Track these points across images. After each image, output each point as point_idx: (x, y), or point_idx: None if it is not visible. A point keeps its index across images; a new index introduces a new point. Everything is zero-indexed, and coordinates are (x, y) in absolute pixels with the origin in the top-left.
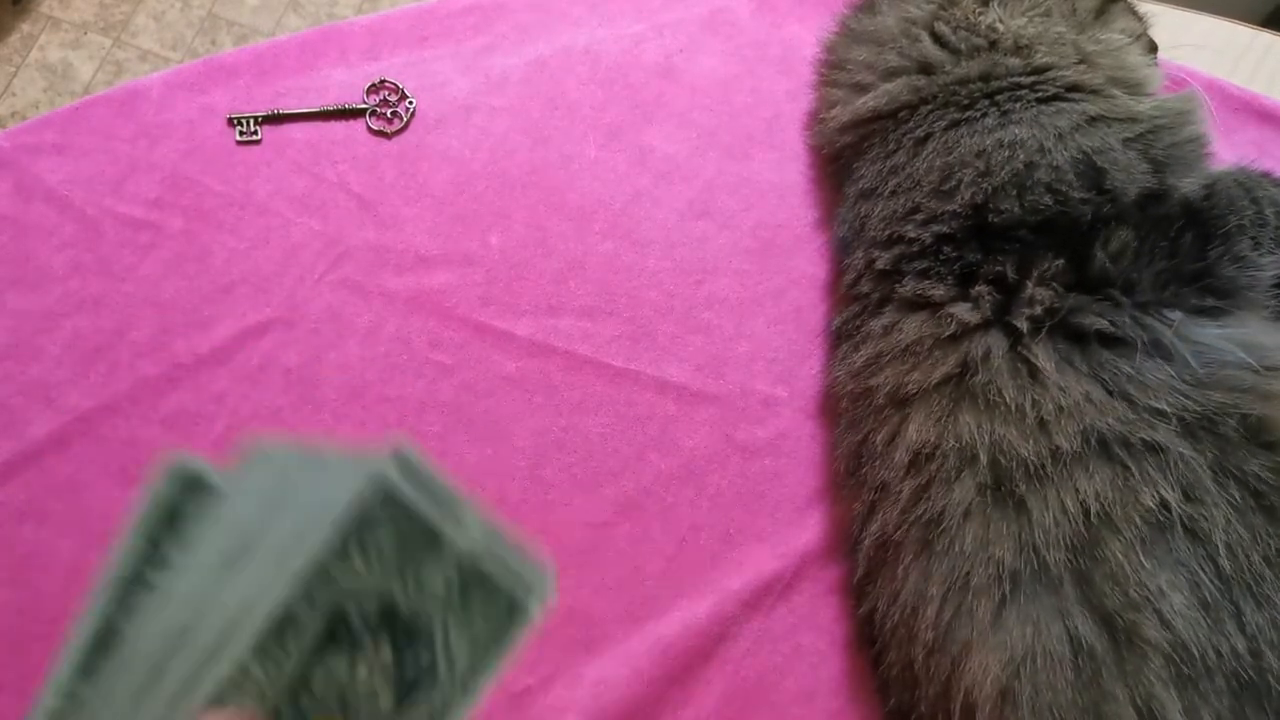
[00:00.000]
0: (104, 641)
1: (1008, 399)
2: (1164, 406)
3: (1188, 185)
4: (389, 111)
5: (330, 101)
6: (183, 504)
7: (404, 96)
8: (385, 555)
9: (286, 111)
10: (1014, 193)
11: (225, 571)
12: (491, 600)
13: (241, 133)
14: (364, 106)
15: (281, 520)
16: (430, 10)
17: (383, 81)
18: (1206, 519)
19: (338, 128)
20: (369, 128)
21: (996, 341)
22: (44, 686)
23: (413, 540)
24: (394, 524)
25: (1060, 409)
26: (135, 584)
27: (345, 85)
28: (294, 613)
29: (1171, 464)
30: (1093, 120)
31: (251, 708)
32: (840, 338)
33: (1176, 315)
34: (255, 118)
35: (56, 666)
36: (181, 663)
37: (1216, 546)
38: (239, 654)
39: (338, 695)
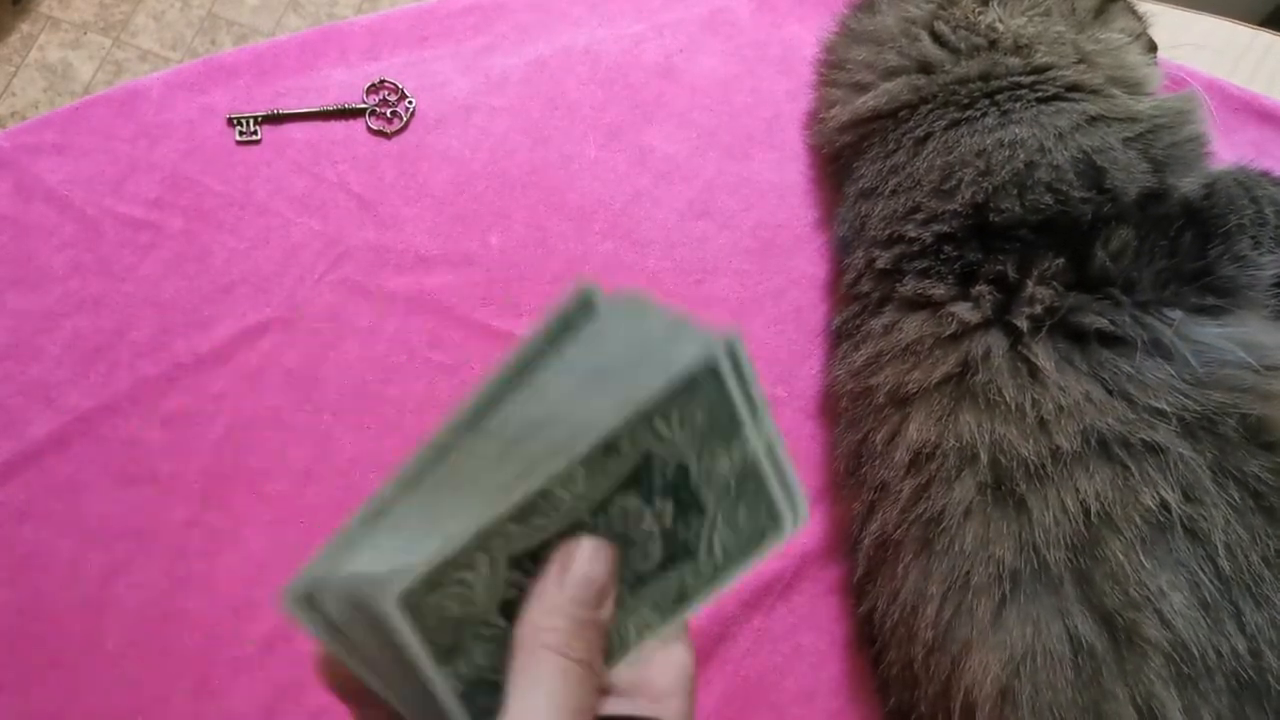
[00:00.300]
0: (609, 449)
1: (1008, 398)
2: (1164, 406)
3: (1188, 185)
4: (389, 111)
5: (330, 101)
6: (576, 318)
7: (404, 96)
8: (695, 426)
9: (286, 111)
10: (1014, 192)
11: (585, 385)
12: (759, 504)
13: (241, 133)
14: (364, 106)
15: (634, 360)
16: (430, 10)
17: (382, 81)
18: (1206, 519)
19: (338, 128)
20: (369, 128)
21: (997, 341)
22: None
23: (719, 421)
24: (709, 401)
25: (1060, 408)
26: (522, 375)
27: (345, 85)
28: (619, 442)
29: (1171, 464)
30: (1093, 120)
31: (567, 506)
32: (840, 337)
33: (1177, 314)
34: (255, 118)
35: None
36: (527, 449)
37: (1216, 547)
38: (573, 458)
39: (622, 530)
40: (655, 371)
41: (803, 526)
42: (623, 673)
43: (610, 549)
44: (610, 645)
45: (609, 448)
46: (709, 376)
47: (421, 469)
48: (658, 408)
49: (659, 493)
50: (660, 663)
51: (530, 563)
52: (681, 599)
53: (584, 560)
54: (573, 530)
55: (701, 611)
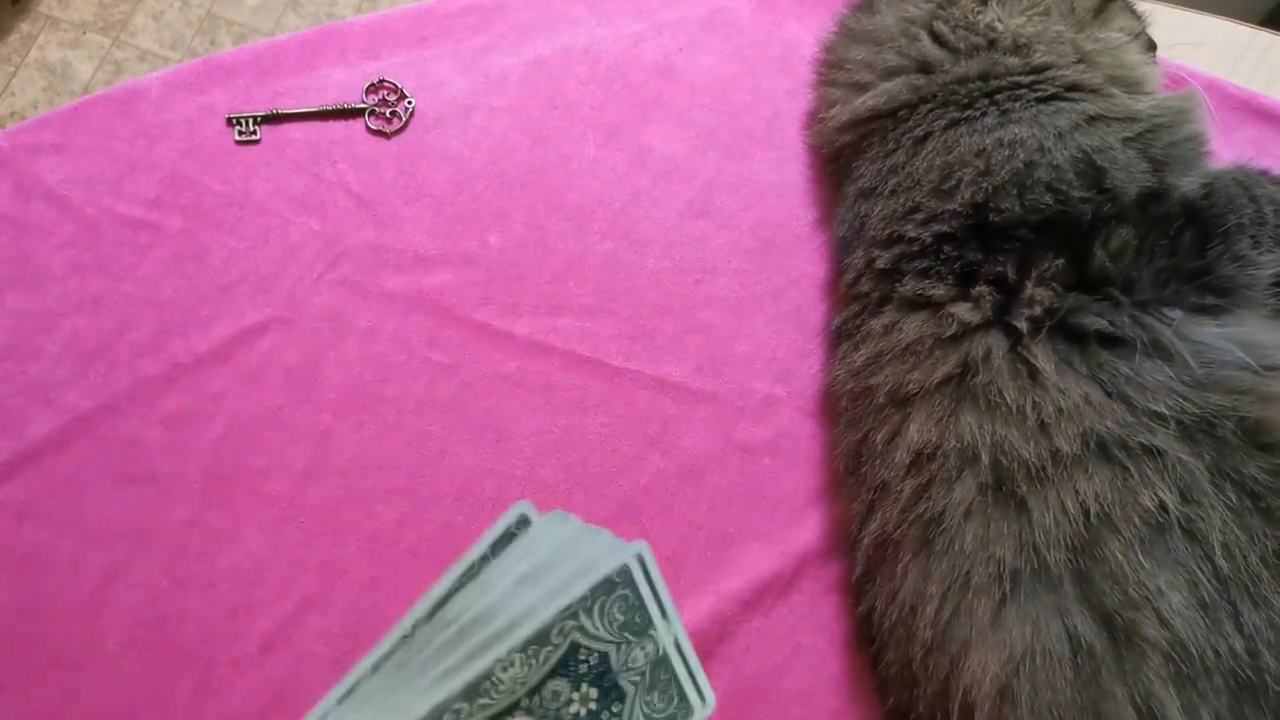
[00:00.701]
0: (540, 639)
1: (1008, 400)
2: (1163, 409)
3: (1187, 184)
4: (388, 111)
5: (329, 101)
6: (515, 530)
7: (403, 96)
8: (614, 621)
9: (285, 111)
10: (1014, 192)
11: (521, 584)
12: (670, 692)
13: (240, 132)
14: (363, 106)
15: (563, 566)
16: (429, 10)
17: (382, 81)
18: (1204, 520)
19: (337, 127)
20: (368, 127)
21: (997, 342)
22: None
23: (634, 619)
24: (625, 600)
25: (1060, 411)
26: (469, 575)
27: (344, 85)
28: (549, 633)
29: (1170, 466)
30: (1092, 119)
31: (506, 687)
32: (840, 337)
33: (1176, 314)
34: (254, 117)
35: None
36: (473, 637)
37: (1214, 547)
38: (512, 646)
39: (554, 711)
40: (581, 574)
41: (710, 713)
42: None
43: None
44: None
45: (541, 637)
46: (625, 580)
47: (388, 652)
48: (582, 604)
49: (585, 679)
50: None
51: None
52: None
53: None
54: (511, 710)
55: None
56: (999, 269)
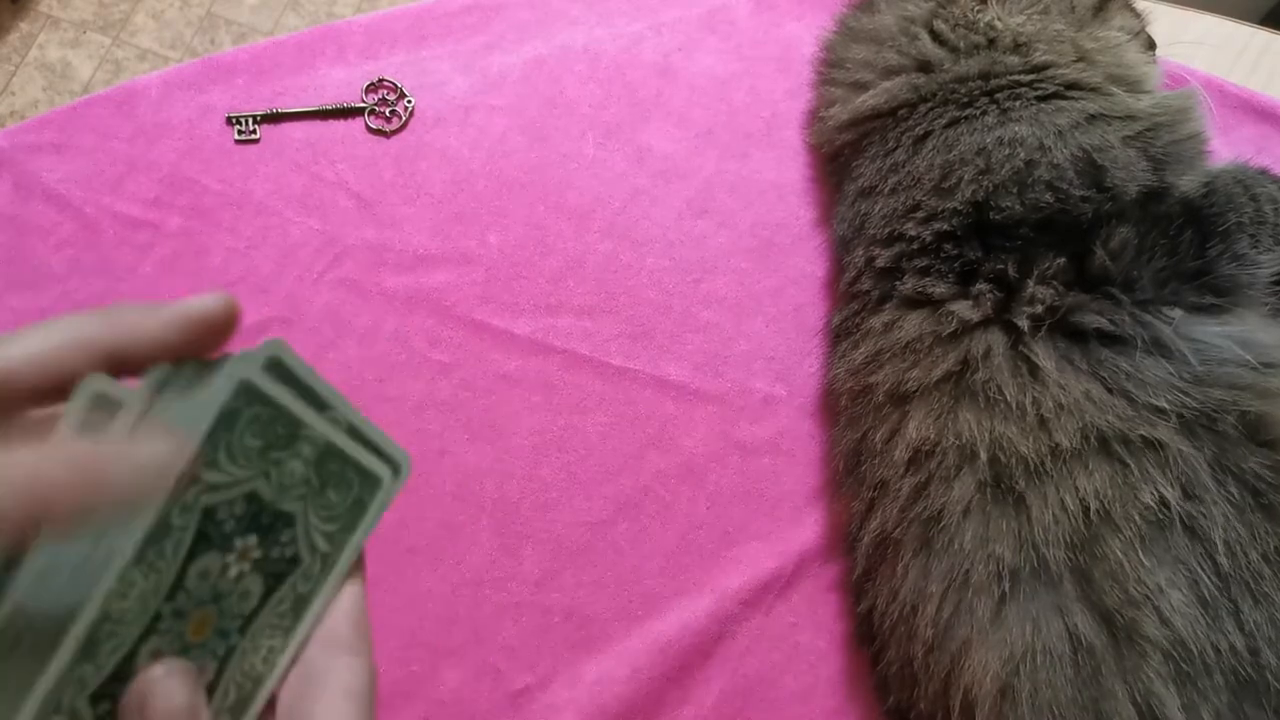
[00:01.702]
0: (158, 534)
1: (1008, 397)
2: (1163, 404)
3: (1187, 183)
4: (387, 110)
5: (329, 100)
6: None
7: (402, 95)
8: (250, 453)
9: (285, 110)
10: (1015, 190)
11: None
12: (347, 478)
13: (240, 132)
14: (362, 105)
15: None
16: (429, 9)
17: (381, 80)
18: (1205, 517)
19: (336, 127)
20: (368, 127)
21: (997, 339)
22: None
23: (275, 433)
24: (259, 420)
25: (1060, 407)
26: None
27: (344, 84)
28: (169, 522)
29: (1170, 461)
30: (1092, 118)
31: (135, 612)
32: (839, 335)
33: (1176, 313)
34: (254, 117)
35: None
36: (75, 579)
37: (1215, 544)
38: (122, 565)
39: (211, 590)
40: (187, 435)
41: (407, 473)
42: (281, 709)
43: (179, 664)
44: (242, 694)
45: (158, 532)
46: (249, 398)
47: None
48: (199, 461)
49: (235, 534)
50: (328, 697)
51: (121, 682)
52: (302, 606)
53: (162, 699)
54: (152, 629)
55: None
56: (999, 267)
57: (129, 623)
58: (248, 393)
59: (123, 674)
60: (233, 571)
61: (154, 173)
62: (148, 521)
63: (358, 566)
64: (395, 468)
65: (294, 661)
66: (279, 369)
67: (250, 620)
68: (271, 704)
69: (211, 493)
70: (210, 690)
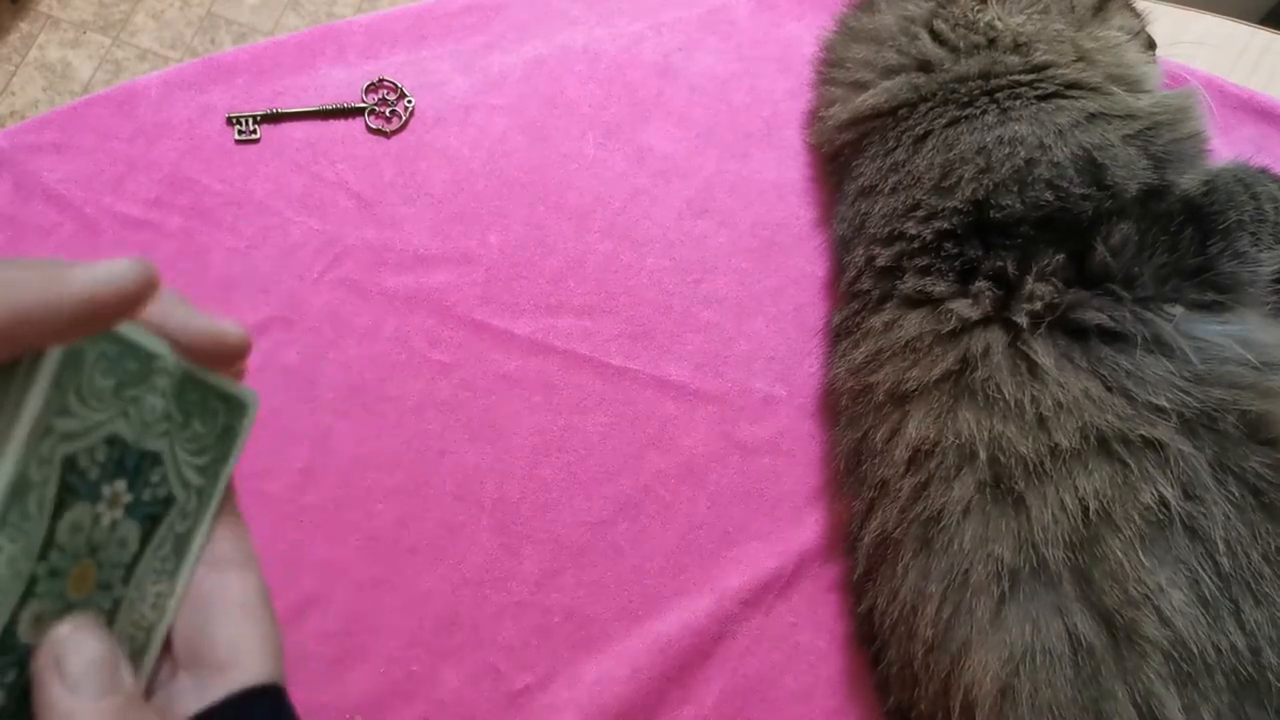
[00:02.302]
0: (18, 492)
1: (1007, 395)
2: (1163, 403)
3: (1188, 181)
4: (388, 110)
5: (329, 100)
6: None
7: (403, 95)
8: (103, 393)
9: (285, 110)
10: (1015, 189)
11: None
12: (210, 407)
13: (240, 132)
14: (363, 105)
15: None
16: (429, 9)
17: (381, 80)
18: (1205, 516)
19: (336, 127)
20: (368, 127)
21: (996, 337)
22: None
23: (126, 369)
24: (108, 358)
25: (1059, 405)
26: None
27: (344, 84)
28: (27, 476)
29: (1171, 461)
30: (1092, 117)
31: (7, 581)
32: (840, 335)
33: (1177, 311)
34: (254, 117)
35: None
36: None
37: (1215, 544)
38: None
39: (86, 543)
40: (20, 382)
41: (257, 402)
42: (179, 643)
43: (82, 618)
44: (135, 645)
45: (18, 489)
46: (90, 339)
47: None
48: (48, 410)
49: (102, 481)
50: (219, 615)
51: (5, 653)
52: (183, 546)
53: (79, 646)
54: (30, 592)
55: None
56: (999, 265)
57: (4, 591)
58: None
59: (5, 644)
60: (105, 520)
61: (154, 173)
62: (3, 480)
63: (228, 494)
64: (246, 391)
65: (183, 601)
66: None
67: (132, 568)
68: (167, 645)
69: (68, 441)
70: None
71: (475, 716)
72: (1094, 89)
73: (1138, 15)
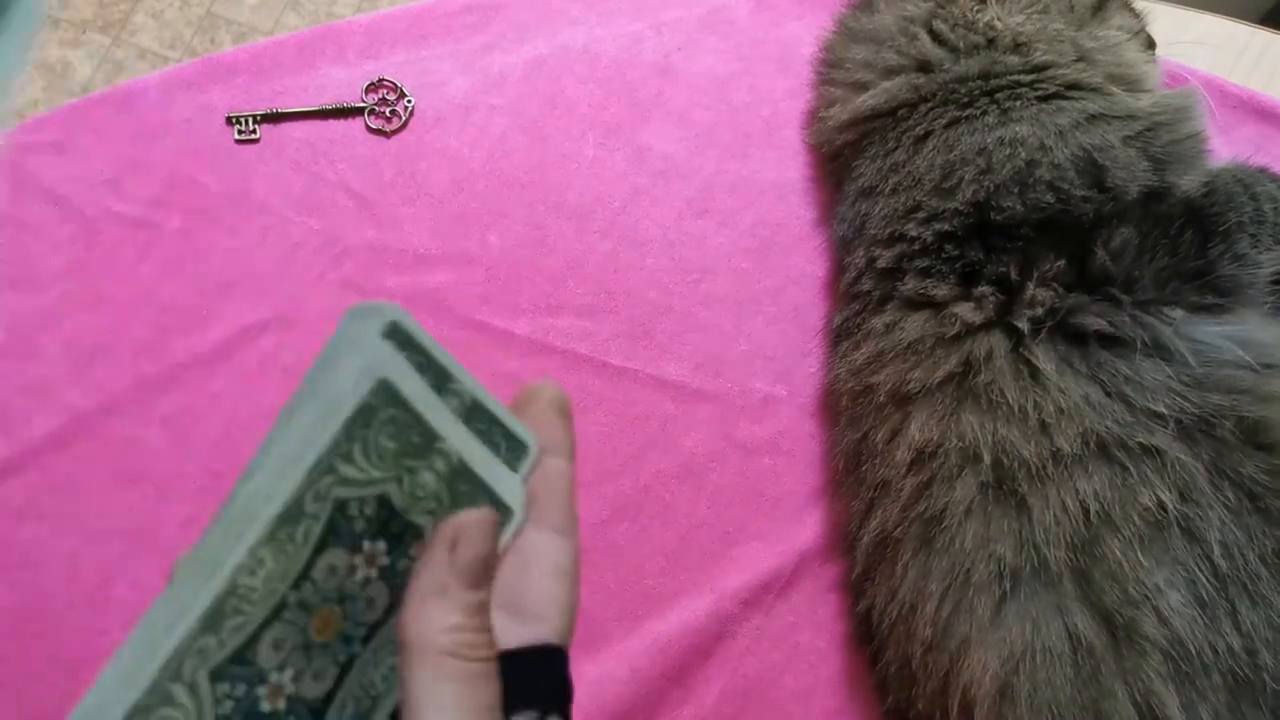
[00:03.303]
0: (291, 516)
1: (1010, 400)
2: (1161, 409)
3: (1187, 182)
4: (388, 110)
5: (329, 100)
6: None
7: (402, 95)
8: (385, 454)
9: (285, 110)
10: (1016, 190)
11: (260, 458)
12: (478, 500)
13: (240, 132)
14: (362, 105)
15: (301, 412)
16: (429, 9)
17: (381, 80)
18: (1202, 519)
19: (336, 127)
20: (368, 126)
21: (999, 342)
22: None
23: (410, 440)
24: (396, 423)
25: (1060, 411)
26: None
27: (344, 84)
28: (301, 505)
29: (1169, 466)
30: (1093, 118)
31: (261, 594)
32: (840, 336)
33: (1177, 313)
34: (254, 116)
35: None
36: (206, 543)
37: (1212, 546)
38: (255, 540)
39: (337, 589)
40: (323, 415)
41: (528, 467)
42: (500, 585)
43: (492, 515)
44: (359, 710)
45: (291, 515)
46: (386, 398)
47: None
48: (336, 452)
49: (365, 537)
50: (538, 571)
51: (241, 666)
52: None
53: (474, 540)
54: (277, 615)
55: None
56: (1001, 269)
57: (255, 602)
58: (385, 392)
59: (244, 658)
60: (360, 575)
61: (154, 173)
62: (283, 498)
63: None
64: (512, 506)
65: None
66: (404, 369)
67: (374, 631)
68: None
69: (344, 486)
70: (328, 699)
71: None
72: (1094, 89)
73: (1137, 15)
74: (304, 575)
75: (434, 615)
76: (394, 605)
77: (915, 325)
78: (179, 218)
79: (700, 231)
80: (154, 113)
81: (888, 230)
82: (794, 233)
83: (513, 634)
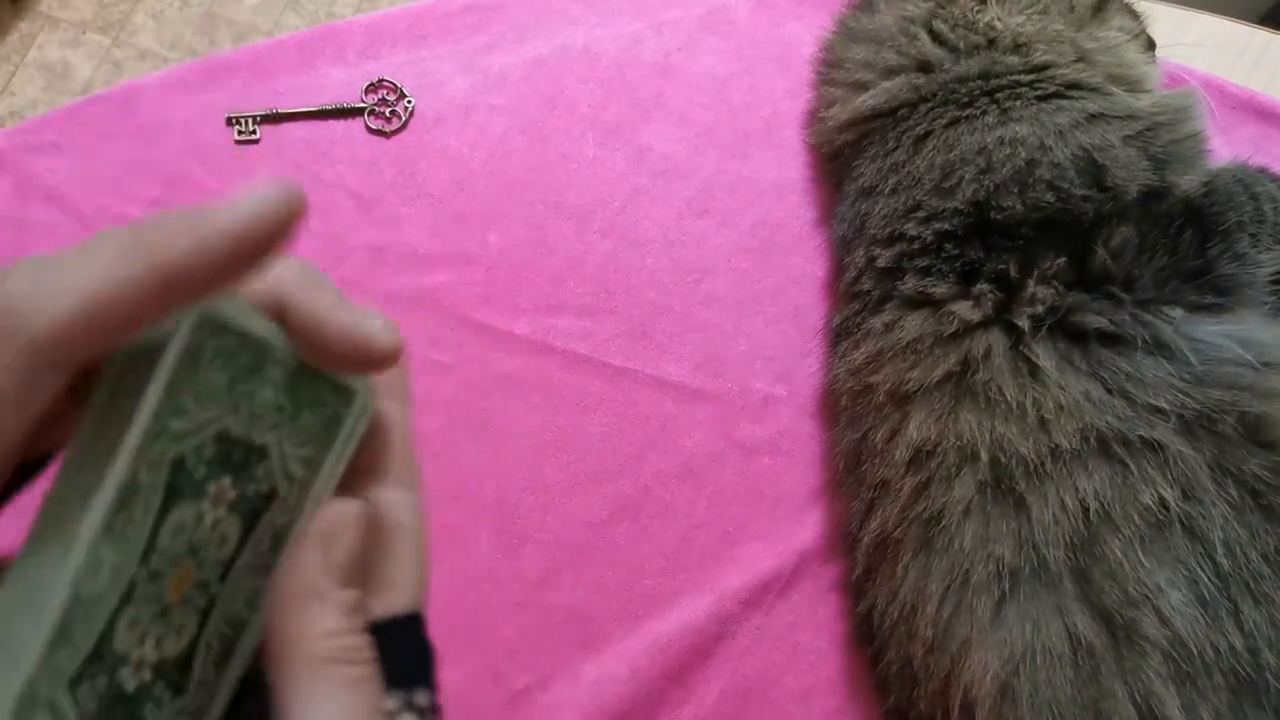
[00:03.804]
0: (126, 501)
1: (1009, 397)
2: (1163, 404)
3: (1187, 182)
4: (387, 111)
5: (329, 101)
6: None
7: (402, 96)
8: (217, 389)
9: (285, 111)
10: (1016, 190)
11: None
12: (319, 396)
13: (240, 132)
14: (362, 106)
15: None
16: (429, 9)
17: (381, 81)
18: (1204, 517)
19: (336, 127)
20: (367, 127)
21: (998, 340)
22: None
23: (242, 364)
24: (225, 352)
25: (1060, 407)
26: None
27: (344, 84)
28: (137, 483)
29: (1170, 462)
30: (1092, 118)
31: (106, 584)
32: (840, 335)
33: (1177, 313)
34: (254, 117)
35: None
36: (31, 553)
37: (1214, 544)
38: (91, 536)
39: (187, 544)
40: (132, 390)
41: (367, 396)
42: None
43: (366, 508)
44: (225, 643)
45: (127, 493)
46: (211, 329)
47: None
48: (164, 412)
49: (208, 479)
50: (382, 534)
51: (98, 662)
52: (280, 540)
53: (348, 535)
54: (127, 600)
55: (700, 610)
56: (1001, 267)
57: (102, 599)
58: (209, 324)
59: (99, 654)
60: (209, 519)
61: (154, 173)
62: (111, 491)
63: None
64: (359, 382)
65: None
66: (210, 326)
67: (230, 565)
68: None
69: (179, 441)
70: (193, 645)
71: (475, 716)
72: (1094, 89)
73: (1137, 15)
74: (150, 548)
75: (310, 621)
76: (246, 532)
77: (914, 324)
78: None
79: (700, 231)
80: (154, 113)
81: (887, 230)
82: (794, 233)
83: (371, 606)
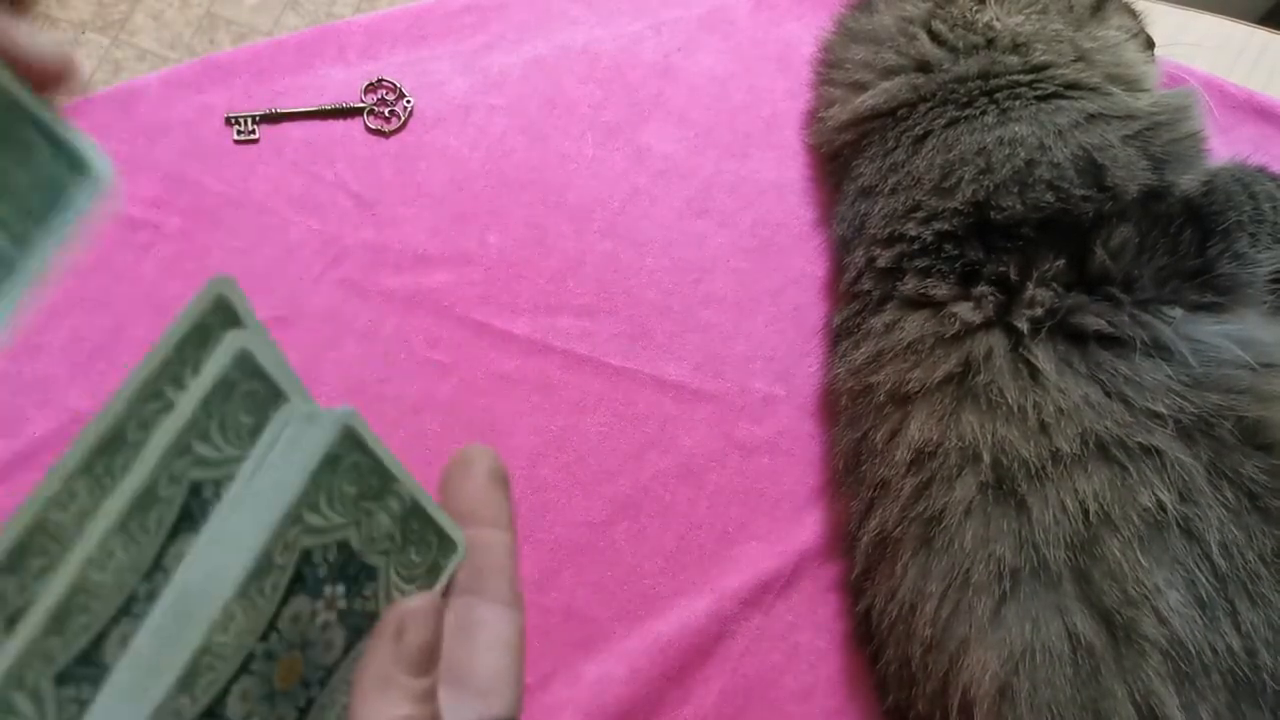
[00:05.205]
0: (109, 444)
1: (1009, 400)
2: (1161, 409)
3: (1187, 181)
4: (387, 110)
5: (328, 100)
6: (214, 328)
7: (402, 95)
8: (346, 500)
9: (284, 110)
10: (1015, 190)
11: (219, 508)
12: (426, 538)
13: (239, 132)
14: (362, 105)
15: (269, 463)
16: (428, 9)
17: (380, 80)
18: (1201, 519)
19: (336, 127)
20: (367, 127)
21: (998, 342)
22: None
23: (369, 484)
24: (358, 468)
25: (1060, 411)
26: (153, 398)
27: (343, 84)
28: (270, 558)
29: (1168, 466)
30: (1092, 117)
31: (231, 649)
32: (840, 335)
33: (1176, 312)
34: (253, 117)
35: (61, 458)
36: (169, 602)
37: (1211, 546)
38: (226, 598)
39: (300, 636)
40: (291, 462)
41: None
42: (446, 665)
43: (436, 601)
44: None
45: (261, 568)
46: (350, 444)
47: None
48: (304, 501)
49: (326, 583)
50: (484, 645)
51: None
52: None
53: (419, 626)
54: (245, 669)
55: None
56: (1001, 269)
57: (226, 658)
58: (350, 439)
59: (214, 712)
60: (320, 619)
61: (154, 173)
62: (251, 555)
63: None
64: (458, 536)
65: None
66: (363, 423)
67: (330, 673)
68: None
69: (310, 535)
70: None
71: None
72: (1093, 89)
73: (1135, 15)
74: (271, 627)
75: (383, 707)
76: (349, 646)
77: (915, 325)
78: (178, 218)
79: (700, 231)
80: (154, 113)
81: (887, 230)
82: (794, 233)
83: (461, 711)
